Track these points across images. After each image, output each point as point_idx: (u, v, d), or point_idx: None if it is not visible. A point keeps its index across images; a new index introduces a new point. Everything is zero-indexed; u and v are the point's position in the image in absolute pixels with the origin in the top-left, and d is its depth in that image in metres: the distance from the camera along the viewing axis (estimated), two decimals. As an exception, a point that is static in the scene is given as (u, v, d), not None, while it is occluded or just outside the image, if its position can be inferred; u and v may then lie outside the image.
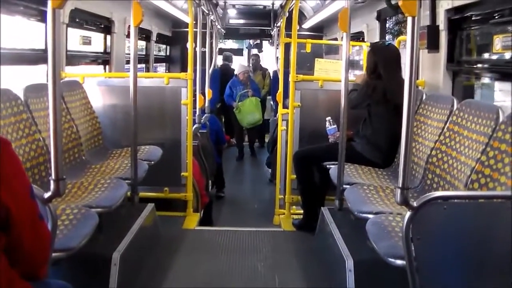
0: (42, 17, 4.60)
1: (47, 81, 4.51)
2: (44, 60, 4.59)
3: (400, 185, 2.40)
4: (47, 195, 2.49)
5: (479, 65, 4.35)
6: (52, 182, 2.53)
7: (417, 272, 2.46)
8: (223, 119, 11.08)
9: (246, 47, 14.27)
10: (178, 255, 4.43)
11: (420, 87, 4.77)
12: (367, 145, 4.62)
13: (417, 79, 4.71)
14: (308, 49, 6.00)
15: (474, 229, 2.45)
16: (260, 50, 13.33)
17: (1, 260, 1.68)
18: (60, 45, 2.60)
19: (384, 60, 4.63)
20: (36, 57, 4.72)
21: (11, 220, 1.65)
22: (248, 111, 9.84)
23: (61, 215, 3.07)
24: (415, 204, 2.38)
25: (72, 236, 2.88)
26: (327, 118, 5.02)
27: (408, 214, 2.41)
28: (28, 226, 1.74)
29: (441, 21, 4.44)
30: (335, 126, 4.91)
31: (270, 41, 12.38)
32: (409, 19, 2.40)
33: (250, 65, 11.63)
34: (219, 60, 11.40)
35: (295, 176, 5.22)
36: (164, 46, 10.92)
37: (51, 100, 2.56)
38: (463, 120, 3.54)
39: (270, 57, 12.36)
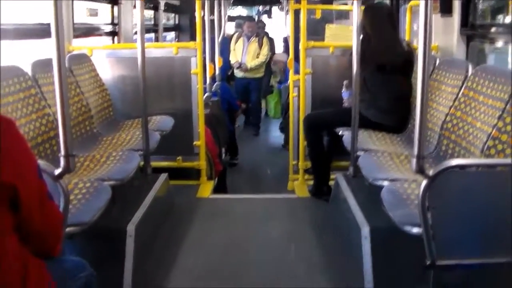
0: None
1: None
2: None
3: (416, 154, 2.35)
4: (57, 171, 2.47)
5: (494, 29, 4.25)
6: (62, 158, 2.51)
7: (433, 240, 2.42)
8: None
9: (256, 14, 14.09)
10: (193, 224, 4.44)
11: (433, 52, 4.68)
12: (370, 109, 4.55)
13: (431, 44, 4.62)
14: (318, 15, 5.89)
15: (491, 197, 2.41)
16: (270, 17, 13.16)
17: (12, 240, 1.67)
18: (62, 17, 2.52)
19: (372, 20, 4.51)
20: (44, 32, 4.67)
21: (19, 200, 1.62)
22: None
23: (73, 189, 3.06)
24: (431, 172, 2.34)
25: (85, 210, 2.88)
26: (344, 82, 4.95)
27: (424, 182, 2.36)
28: (37, 206, 1.73)
29: (454, -16, 4.34)
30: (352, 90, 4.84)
31: (280, 6, 12.20)
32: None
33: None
34: (229, 28, 11.25)
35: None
36: (172, 15, 10.79)
37: (57, 74, 2.51)
38: (479, 86, 3.47)
39: (280, 24, 12.07)
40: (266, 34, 10.83)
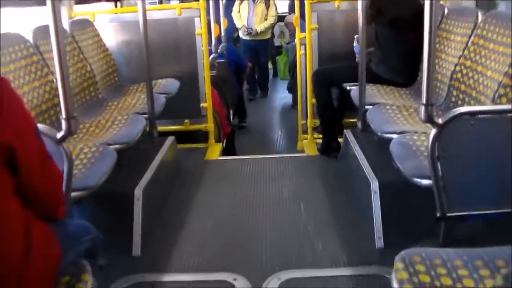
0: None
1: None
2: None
3: (424, 102, 2.29)
4: (59, 135, 2.44)
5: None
6: (63, 121, 2.48)
7: (444, 191, 2.39)
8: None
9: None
10: (202, 186, 4.42)
11: (441, 1, 4.56)
12: (380, 65, 4.48)
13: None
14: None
15: (502, 145, 2.35)
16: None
17: (13, 202, 1.64)
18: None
19: None
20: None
21: (17, 161, 1.59)
22: None
23: (79, 155, 3.04)
24: (440, 121, 2.28)
25: (91, 174, 2.86)
26: (355, 36, 4.85)
27: (433, 131, 2.32)
28: (37, 166, 1.70)
29: None
30: None
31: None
32: None
33: None
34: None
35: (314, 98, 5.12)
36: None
37: (54, 38, 2.47)
38: (489, 33, 3.37)
39: None
40: None
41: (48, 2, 2.44)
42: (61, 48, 2.48)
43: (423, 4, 4.28)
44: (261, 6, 9.42)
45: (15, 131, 1.58)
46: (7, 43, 3.42)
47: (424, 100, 2.30)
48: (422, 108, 2.30)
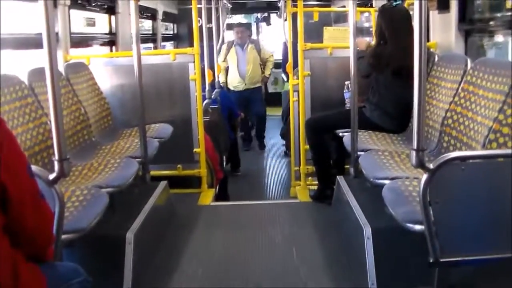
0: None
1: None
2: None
3: (415, 147, 2.31)
4: (52, 176, 2.44)
5: (492, 23, 4.21)
6: (56, 163, 2.47)
7: (436, 236, 2.38)
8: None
9: (254, 21, 14.05)
10: (194, 232, 4.39)
11: (432, 49, 4.64)
12: (376, 111, 4.52)
13: (428, 41, 4.58)
14: (316, 17, 5.87)
15: (493, 189, 2.37)
16: (269, 24, 13.12)
17: (2, 241, 1.62)
18: (54, 25, 2.50)
19: (390, 22, 4.46)
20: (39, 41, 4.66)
21: (9, 199, 1.59)
22: None
23: (70, 197, 3.03)
24: (431, 166, 2.30)
25: (82, 217, 2.84)
26: (346, 83, 4.92)
27: (424, 176, 2.32)
28: (29, 205, 1.70)
29: (450, -20, 4.30)
30: None
31: (278, 13, 12.18)
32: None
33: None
34: (228, 36, 11.17)
35: (308, 146, 5.13)
36: (171, 25, 10.80)
37: (49, 80, 2.49)
38: (478, 79, 3.43)
39: (279, 30, 11.95)
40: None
41: (45, 45, 2.46)
42: (56, 91, 2.49)
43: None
44: (253, 52, 9.12)
45: (8, 169, 1.59)
46: (3, 84, 3.44)
47: (415, 145, 2.31)
48: (414, 154, 2.31)
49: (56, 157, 2.48)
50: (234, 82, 9.15)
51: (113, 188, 3.35)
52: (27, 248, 1.74)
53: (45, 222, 1.84)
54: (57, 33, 4.70)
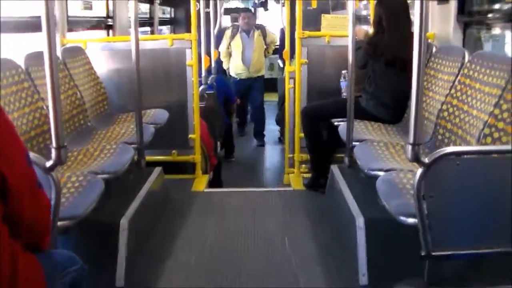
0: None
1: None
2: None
3: (411, 141, 2.32)
4: (49, 163, 2.44)
5: (491, 15, 4.21)
6: (53, 150, 2.47)
7: (429, 230, 2.40)
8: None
9: (252, 7, 13.94)
10: (188, 218, 4.41)
11: (429, 40, 4.65)
12: (371, 100, 4.54)
13: (427, 31, 4.58)
14: (314, 4, 5.85)
15: (487, 185, 2.38)
16: (266, 9, 13.01)
17: (2, 231, 1.63)
18: (53, 9, 2.49)
19: (388, 13, 4.47)
20: (37, 25, 4.63)
21: (8, 189, 1.59)
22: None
23: (66, 183, 3.03)
24: (426, 160, 2.31)
25: (77, 204, 2.84)
26: (343, 72, 4.92)
27: (419, 171, 2.34)
28: (27, 194, 1.70)
29: (451, -30, 4.29)
30: None
31: (276, -2, 12.06)
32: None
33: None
34: (224, 21, 11.10)
35: (303, 134, 5.15)
36: (168, 9, 10.73)
37: (48, 66, 2.47)
38: (475, 73, 3.44)
39: (276, 16, 11.81)
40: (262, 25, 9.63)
41: (44, 29, 2.45)
42: (55, 77, 2.49)
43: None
44: (259, 39, 8.81)
45: (7, 158, 1.59)
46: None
47: (411, 139, 2.32)
48: (409, 147, 2.33)
49: (54, 144, 2.48)
50: (238, 70, 8.86)
51: (109, 175, 3.35)
52: (25, 237, 1.75)
53: (43, 212, 1.84)
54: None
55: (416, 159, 2.33)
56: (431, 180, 2.34)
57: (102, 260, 3.29)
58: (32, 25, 4.39)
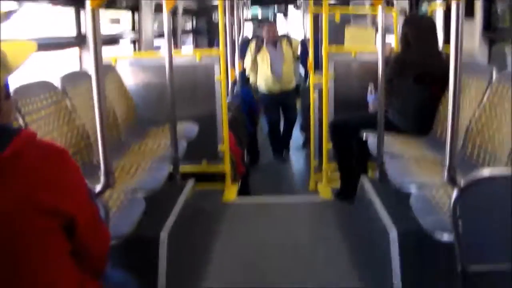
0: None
1: (80, 67, 4.63)
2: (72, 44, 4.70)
3: (447, 164, 2.40)
4: (98, 188, 2.55)
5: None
6: (102, 176, 2.58)
7: (465, 247, 2.46)
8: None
9: (271, 14, 13.95)
10: (222, 230, 4.55)
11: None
12: (397, 115, 4.61)
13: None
14: (338, 18, 5.89)
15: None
16: (286, 15, 13.05)
17: (69, 263, 1.72)
18: (99, 31, 2.61)
19: (416, 31, 4.58)
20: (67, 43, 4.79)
21: (75, 227, 1.68)
22: None
23: (108, 201, 3.13)
24: (462, 183, 2.38)
25: (121, 223, 2.93)
26: (369, 86, 4.98)
27: (455, 192, 2.41)
28: (91, 231, 1.78)
29: (476, -15, 4.33)
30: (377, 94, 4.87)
31: (296, 5, 11.94)
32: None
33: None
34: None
35: (331, 145, 5.22)
36: (189, 19, 10.84)
37: (95, 87, 2.59)
38: (504, 90, 3.49)
39: (297, 23, 11.64)
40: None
41: (91, 46, 2.56)
42: (101, 100, 2.59)
43: (446, 60, 4.43)
44: (288, 49, 8.04)
45: (75, 200, 1.67)
46: (38, 90, 3.55)
47: (447, 163, 2.40)
48: (445, 170, 2.41)
49: (102, 169, 2.60)
50: (268, 84, 8.10)
51: (148, 191, 3.46)
52: (88, 268, 1.84)
53: (106, 244, 1.93)
54: (84, 35, 4.80)
55: (452, 182, 2.41)
56: (465, 201, 2.40)
57: (143, 275, 3.36)
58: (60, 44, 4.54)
